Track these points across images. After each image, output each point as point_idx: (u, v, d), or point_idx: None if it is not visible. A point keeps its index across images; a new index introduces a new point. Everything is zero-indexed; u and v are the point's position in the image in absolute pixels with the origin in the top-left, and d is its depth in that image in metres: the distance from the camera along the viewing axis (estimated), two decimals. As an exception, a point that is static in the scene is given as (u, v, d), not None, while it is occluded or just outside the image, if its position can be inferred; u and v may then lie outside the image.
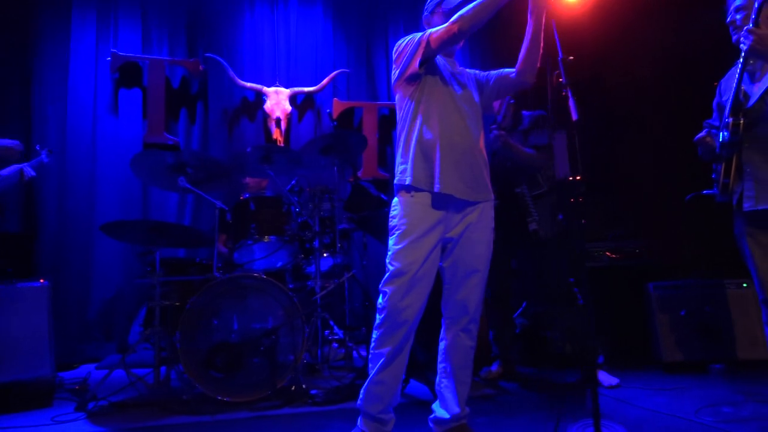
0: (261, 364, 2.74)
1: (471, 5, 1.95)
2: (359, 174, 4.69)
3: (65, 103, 4.15)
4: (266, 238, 3.09)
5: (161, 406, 2.68)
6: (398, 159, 2.08)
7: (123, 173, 3.98)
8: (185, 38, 4.57)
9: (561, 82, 1.92)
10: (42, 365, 2.89)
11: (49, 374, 2.91)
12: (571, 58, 1.96)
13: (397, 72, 2.09)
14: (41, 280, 3.08)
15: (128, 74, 4.39)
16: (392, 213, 2.06)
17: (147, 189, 4.28)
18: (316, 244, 3.15)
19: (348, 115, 4.87)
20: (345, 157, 3.41)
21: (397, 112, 2.13)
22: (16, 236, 3.67)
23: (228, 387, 2.68)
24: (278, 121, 4.58)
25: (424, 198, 2.00)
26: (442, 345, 2.13)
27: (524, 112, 3.18)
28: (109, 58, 4.31)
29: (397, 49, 2.10)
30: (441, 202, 2.00)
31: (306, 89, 4.72)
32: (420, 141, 2.01)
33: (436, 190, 1.97)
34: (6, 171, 2.56)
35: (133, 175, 3.07)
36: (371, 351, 2.01)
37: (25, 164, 2.71)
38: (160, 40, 4.51)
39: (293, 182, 3.43)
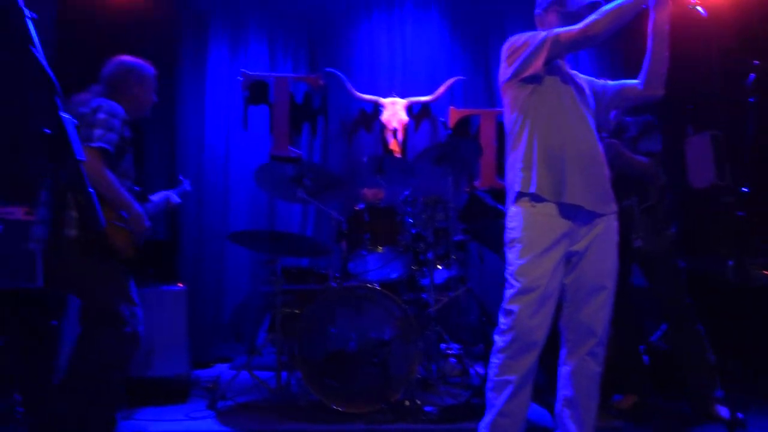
0: (374, 375, 2.75)
1: (606, 9, 1.82)
2: (477, 183, 4.58)
3: (203, 121, 4.50)
4: (380, 249, 3.13)
5: (280, 411, 2.79)
6: (514, 165, 1.96)
7: (252, 186, 4.22)
8: (306, 54, 4.75)
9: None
10: (180, 364, 3.15)
11: (186, 372, 3.16)
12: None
13: (510, 71, 1.98)
14: (180, 285, 3.36)
15: (256, 92, 4.66)
16: (510, 224, 1.95)
17: (273, 200, 4.51)
18: (429, 255, 3.11)
19: (465, 123, 4.78)
20: (460, 166, 3.35)
21: (508, 114, 2.02)
22: (161, 243, 4.04)
23: (342, 396, 2.72)
24: (395, 131, 4.60)
25: (549, 209, 1.88)
26: (564, 370, 1.97)
27: (627, 118, 2.91)
28: (240, 78, 4.60)
29: (510, 47, 1.98)
30: (567, 213, 1.88)
31: (421, 99, 4.71)
32: (543, 147, 1.90)
33: (563, 200, 1.86)
34: (156, 198, 2.84)
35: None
36: (493, 378, 1.89)
37: (172, 192, 2.99)
38: (285, 56, 4.74)
39: (406, 193, 3.42)
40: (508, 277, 1.90)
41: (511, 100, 2.00)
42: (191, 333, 3.28)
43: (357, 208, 3.33)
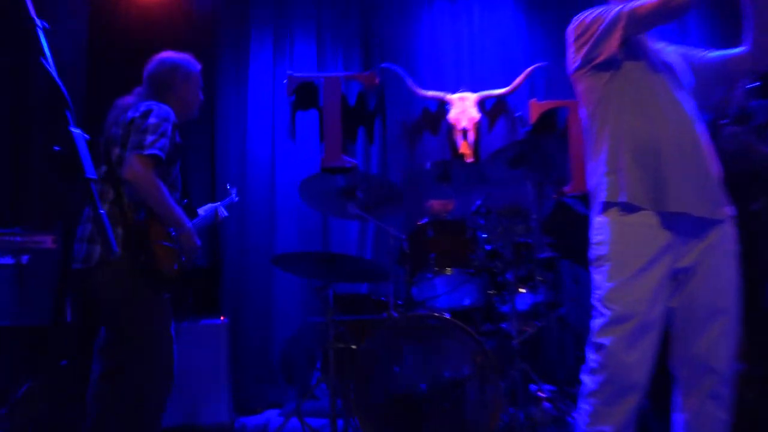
0: (447, 424, 2.67)
1: None
2: (566, 189, 4.41)
3: (245, 131, 4.61)
4: (448, 271, 3.08)
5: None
6: (596, 170, 1.90)
7: (301, 202, 4.26)
8: (359, 50, 4.79)
9: None
10: (221, 410, 3.18)
11: (227, 421, 3.19)
12: None
13: (580, 57, 1.93)
14: (222, 318, 3.42)
15: (304, 95, 4.73)
16: (596, 238, 1.88)
17: (327, 218, 4.54)
18: (509, 276, 3.02)
19: (550, 117, 4.62)
20: (544, 168, 3.24)
21: (584, 108, 1.96)
22: (199, 268, 4.15)
23: (408, 449, 2.65)
24: (465, 132, 4.53)
25: (645, 218, 1.80)
26: (678, 419, 1.85)
27: (753, 101, 2.72)
28: (285, 81, 4.70)
29: (577, 28, 1.94)
30: (669, 222, 1.79)
31: (495, 92, 4.62)
32: (632, 144, 1.83)
33: (665, 207, 1.78)
34: (204, 211, 2.90)
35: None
36: (584, 429, 1.80)
37: (219, 204, 3.05)
38: (335, 54, 4.79)
39: (478, 202, 3.34)
40: (596, 303, 1.82)
41: (586, 92, 1.95)
42: (235, 374, 3.32)
43: (419, 223, 3.29)
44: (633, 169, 1.81)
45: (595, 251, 1.87)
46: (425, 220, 3.33)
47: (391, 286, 3.08)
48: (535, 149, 3.10)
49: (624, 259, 1.80)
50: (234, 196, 3.26)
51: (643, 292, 1.76)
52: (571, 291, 3.63)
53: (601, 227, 1.86)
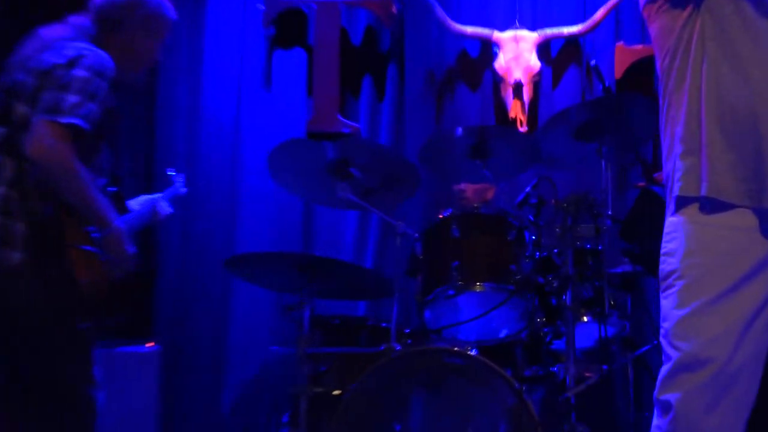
0: None
1: None
2: (657, 175, 4.38)
3: (198, 83, 4.65)
4: (479, 287, 3.08)
5: None
6: (672, 148, 1.90)
7: (276, 184, 4.27)
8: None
9: None
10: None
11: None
12: None
13: None
14: (151, 344, 3.44)
15: (287, 28, 4.76)
16: (666, 246, 1.89)
17: (311, 207, 4.55)
18: (567, 299, 3.02)
19: (641, 70, 4.61)
20: (626, 144, 3.29)
21: (659, 57, 1.97)
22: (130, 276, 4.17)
23: None
24: (518, 86, 4.51)
25: (737, 219, 1.81)
26: None
27: None
28: (260, 5, 4.70)
29: None
30: None
31: (565, 30, 4.62)
32: (723, 114, 1.82)
33: (765, 204, 1.79)
34: (139, 205, 2.92)
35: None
36: None
37: (160, 196, 3.07)
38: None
39: (528, 189, 3.33)
40: (663, 341, 1.84)
41: (659, 35, 1.96)
42: (169, 423, 3.34)
43: (441, 217, 3.29)
44: (721, 148, 1.80)
45: (664, 265, 1.88)
46: (449, 213, 3.30)
47: (396, 307, 3.05)
48: (616, 115, 3.10)
49: (702, 276, 1.80)
50: (180, 186, 3.28)
51: (726, 325, 1.75)
52: (657, 322, 3.60)
53: (674, 231, 1.87)
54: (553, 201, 3.23)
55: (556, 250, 3.19)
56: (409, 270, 3.29)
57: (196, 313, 4.40)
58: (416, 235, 3.26)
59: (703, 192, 1.80)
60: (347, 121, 4.64)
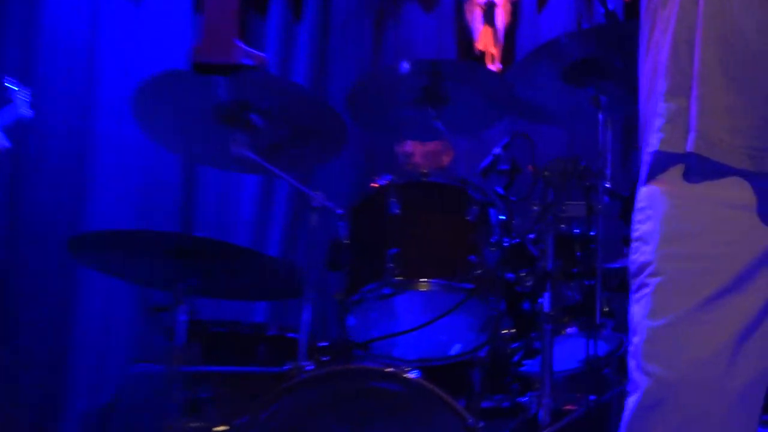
0: None
1: None
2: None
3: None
4: (424, 284, 3.13)
5: None
6: (652, 90, 1.89)
7: (144, 135, 4.30)
8: None
9: None
10: None
11: None
12: None
13: None
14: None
15: None
16: (639, 228, 1.87)
17: (193, 169, 4.58)
18: (545, 303, 3.09)
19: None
20: (631, 91, 3.29)
21: None
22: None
23: None
24: (489, 7, 4.60)
25: (733, 190, 1.79)
26: None
27: None
28: None
29: None
30: None
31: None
32: (719, 37, 1.80)
33: None
34: None
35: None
36: None
37: None
38: None
39: (497, 150, 3.40)
40: (630, 362, 1.81)
41: None
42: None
43: (375, 186, 3.36)
44: (720, 85, 1.78)
45: (634, 255, 1.88)
46: (387, 181, 3.32)
47: (309, 310, 3.14)
48: (621, 51, 3.15)
49: (685, 273, 1.80)
50: (23, 105, 3.29)
51: (717, 341, 1.76)
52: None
53: (648, 207, 1.86)
54: (530, 167, 3.28)
55: (532, 236, 3.25)
56: (329, 260, 3.32)
57: (25, 317, 4.41)
58: (340, 211, 3.28)
59: (689, 147, 1.76)
60: (249, 49, 4.68)
